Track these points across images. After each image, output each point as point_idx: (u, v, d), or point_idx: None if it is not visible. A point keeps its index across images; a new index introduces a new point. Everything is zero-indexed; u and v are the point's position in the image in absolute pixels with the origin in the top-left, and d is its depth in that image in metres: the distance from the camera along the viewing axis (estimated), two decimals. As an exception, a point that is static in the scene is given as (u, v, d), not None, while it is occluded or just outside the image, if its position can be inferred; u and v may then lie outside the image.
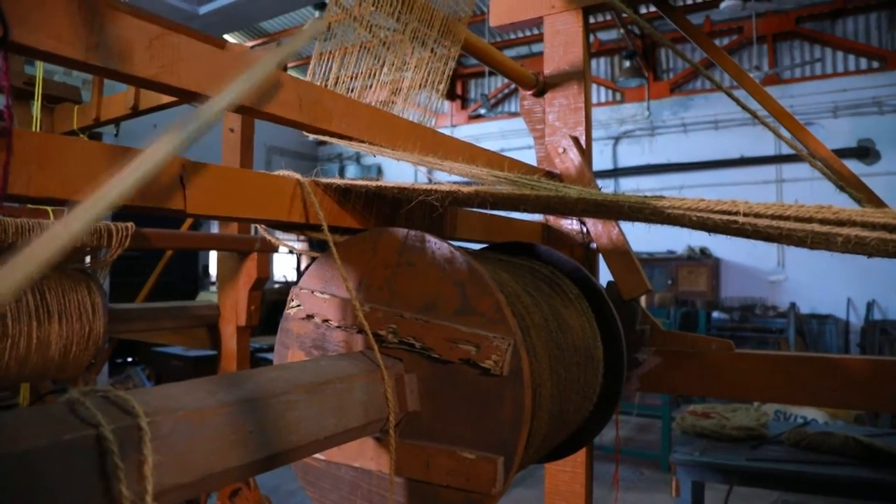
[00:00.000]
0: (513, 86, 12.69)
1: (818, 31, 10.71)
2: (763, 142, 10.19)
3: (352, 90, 1.64)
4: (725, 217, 0.99)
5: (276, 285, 12.94)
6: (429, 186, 1.18)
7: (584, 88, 2.43)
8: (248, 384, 0.89)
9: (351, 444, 1.19)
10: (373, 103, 1.71)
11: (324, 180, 1.35)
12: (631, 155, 11.73)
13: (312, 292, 1.32)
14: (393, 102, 1.82)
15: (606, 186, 11.62)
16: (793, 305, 9.51)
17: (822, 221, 0.93)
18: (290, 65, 13.20)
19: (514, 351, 1.06)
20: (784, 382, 2.12)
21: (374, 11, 1.64)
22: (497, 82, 13.13)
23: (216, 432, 0.81)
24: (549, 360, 1.24)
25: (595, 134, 11.72)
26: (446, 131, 13.06)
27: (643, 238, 11.20)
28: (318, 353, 1.31)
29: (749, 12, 10.51)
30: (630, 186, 11.66)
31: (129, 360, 10.29)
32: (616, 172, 11.77)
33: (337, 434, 0.99)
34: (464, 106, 13.40)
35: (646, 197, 1.04)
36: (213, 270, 12.89)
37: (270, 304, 7.05)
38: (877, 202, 2.19)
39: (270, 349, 7.45)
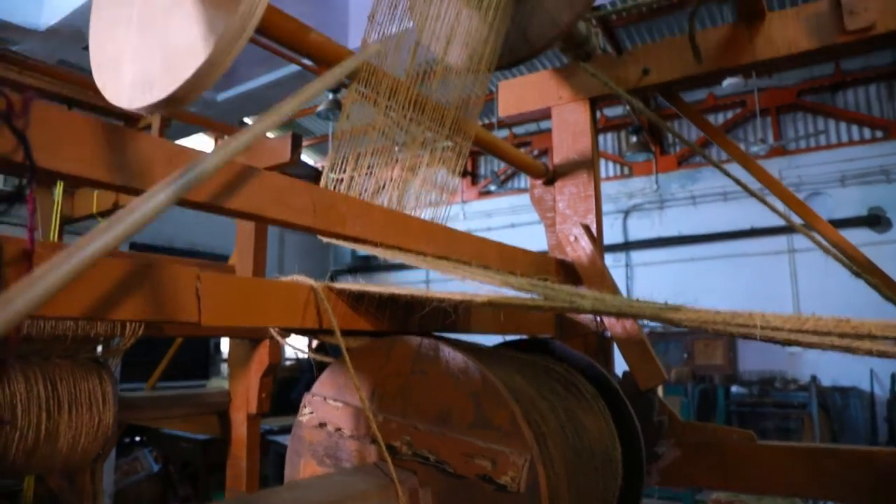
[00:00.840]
0: (522, 161, 12.91)
1: (820, 104, 10.89)
2: (773, 212, 10.19)
3: (364, 191, 1.66)
4: (743, 329, 0.98)
5: (288, 362, 12.84)
6: (442, 295, 1.18)
7: (593, 177, 2.47)
8: (260, 511, 0.87)
9: (364, 562, 1.15)
10: (389, 193, 1.73)
11: (337, 286, 1.35)
12: (641, 228, 11.78)
13: (325, 399, 1.31)
14: (408, 181, 1.84)
15: (618, 260, 11.63)
16: (814, 378, 9.31)
17: (842, 335, 0.92)
18: (305, 143, 13.52)
19: (530, 467, 1.04)
20: (810, 476, 2.04)
21: (388, 112, 1.69)
22: (506, 158, 13.36)
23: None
24: (567, 471, 1.20)
25: (605, 208, 11.79)
26: (457, 207, 13.20)
27: (657, 311, 11.12)
28: (330, 462, 1.28)
29: (751, 87, 10.75)
30: (641, 259, 11.65)
31: (137, 440, 10.14)
32: (627, 246, 11.79)
33: (350, 559, 0.96)
34: (474, 182, 13.61)
35: (661, 307, 1.04)
36: (224, 348, 12.84)
37: (281, 381, 6.98)
38: (893, 286, 2.16)
39: (280, 431, 7.32)
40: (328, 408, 1.29)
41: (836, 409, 9.40)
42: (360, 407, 1.22)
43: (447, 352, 1.17)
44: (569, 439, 1.27)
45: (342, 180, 1.66)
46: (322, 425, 1.30)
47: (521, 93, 2.62)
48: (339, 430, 1.27)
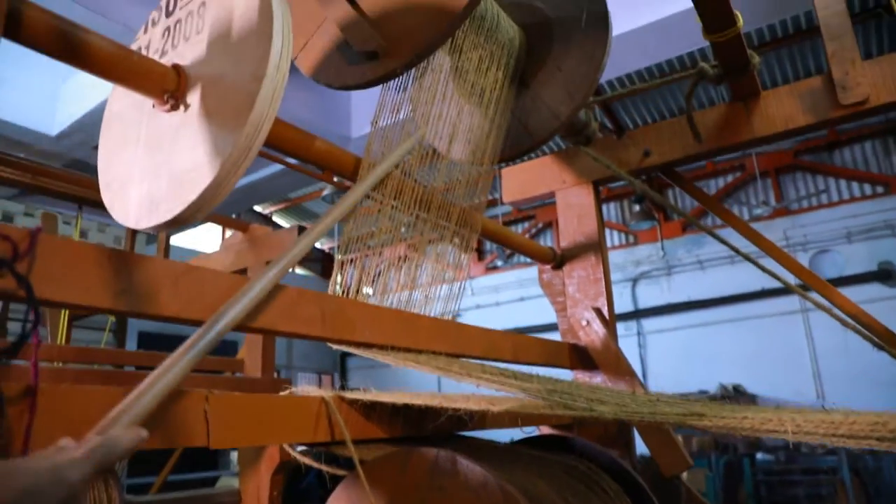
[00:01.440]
0: (528, 235, 12.97)
1: (818, 163, 10.99)
2: (783, 272, 10.13)
3: (373, 290, 1.65)
4: (774, 433, 0.94)
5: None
6: (458, 404, 1.14)
7: (601, 258, 2.46)
8: None
9: None
10: (398, 290, 1.72)
11: (349, 395, 1.32)
12: (650, 295, 11.69)
13: (340, 516, 1.25)
14: (416, 278, 1.82)
15: (629, 328, 11.50)
16: (841, 442, 9.03)
17: (881, 439, 0.88)
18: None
19: (561, 590, 0.98)
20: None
21: (395, 212, 1.69)
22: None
23: None
24: (599, 587, 1.14)
25: (613, 277, 11.76)
26: (465, 283, 13.18)
27: (672, 378, 10.89)
28: (347, 585, 1.21)
29: (749, 151, 10.88)
30: (652, 327, 11.52)
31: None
32: (637, 314, 11.68)
33: None
34: (480, 258, 13.64)
35: (685, 413, 1.00)
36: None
37: (290, 470, 6.78)
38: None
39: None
40: (343, 526, 1.24)
41: (868, 471, 9.04)
42: (377, 526, 1.17)
43: (465, 465, 1.12)
44: (597, 550, 1.21)
45: (350, 286, 1.65)
46: (338, 545, 1.24)
47: (524, 178, 2.64)
48: (355, 550, 1.21)
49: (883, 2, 7.69)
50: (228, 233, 5.50)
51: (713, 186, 11.73)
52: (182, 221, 1.13)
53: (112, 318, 4.88)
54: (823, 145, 10.92)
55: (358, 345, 1.39)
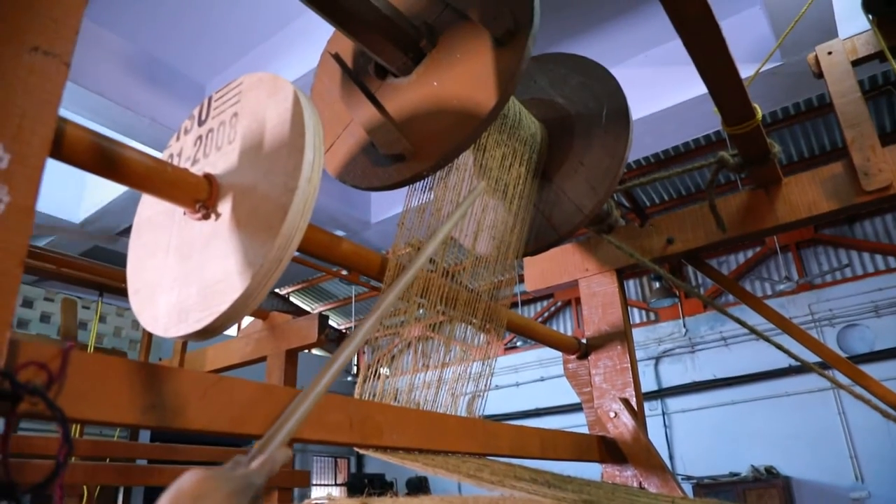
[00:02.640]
0: (546, 313, 12.87)
1: (839, 237, 10.94)
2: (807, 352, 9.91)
3: (399, 392, 1.62)
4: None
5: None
6: (491, 519, 1.10)
7: (627, 348, 2.42)
8: None
9: None
10: (423, 389, 1.69)
11: (377, 502, 1.27)
12: (674, 373, 11.46)
13: None
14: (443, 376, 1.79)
15: (653, 408, 11.22)
16: (882, 529, 8.60)
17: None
18: (328, 307, 13.68)
19: None
20: None
21: (421, 308, 1.68)
22: (530, 312, 13.34)
23: None
24: None
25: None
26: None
27: (700, 460, 10.54)
28: None
29: (768, 227, 10.87)
30: (677, 406, 11.24)
31: None
32: (660, 393, 11.42)
33: None
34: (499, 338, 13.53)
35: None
36: None
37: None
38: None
39: None
40: None
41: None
42: None
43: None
44: None
45: (377, 376, 1.63)
46: None
47: (546, 267, 2.64)
48: None
49: (893, 78, 7.83)
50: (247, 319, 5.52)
51: (733, 262, 11.66)
52: (212, 331, 1.13)
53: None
54: (843, 219, 10.89)
55: (385, 448, 1.36)
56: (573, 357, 2.49)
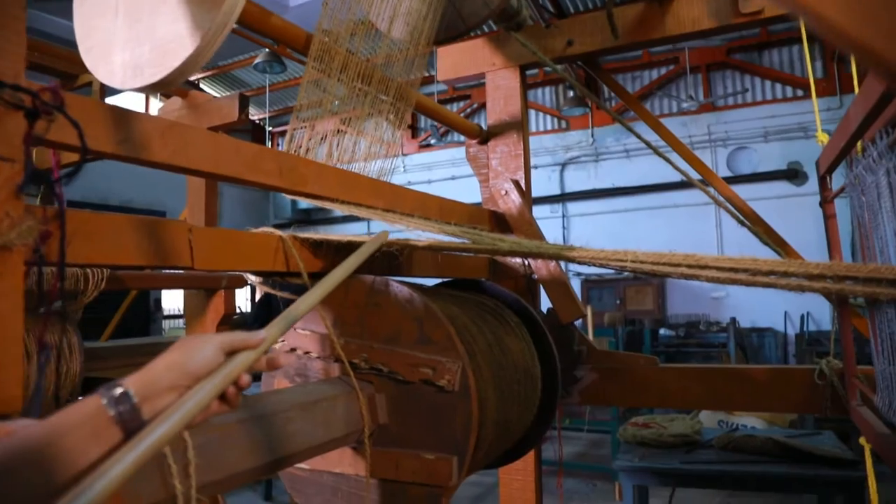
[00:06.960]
0: (463, 115, 13.09)
1: (747, 62, 11.42)
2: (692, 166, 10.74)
3: (318, 151, 1.91)
4: (619, 263, 1.30)
5: (235, 317, 12.91)
6: (389, 240, 1.46)
7: (522, 137, 2.76)
8: (257, 405, 1.15)
9: (331, 454, 1.45)
10: (340, 152, 1.99)
11: (301, 235, 1.61)
12: (578, 180, 12.22)
13: (295, 329, 1.58)
14: (356, 141, 2.09)
15: (555, 211, 12.08)
16: (733, 320, 10.03)
17: (689, 266, 1.24)
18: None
19: (462, 372, 1.34)
20: (702, 390, 2.44)
21: (340, 82, 1.92)
22: (448, 112, 13.48)
23: (237, 442, 1.07)
24: (493, 378, 1.52)
25: (543, 161, 12.19)
26: (398, 160, 13.36)
27: (592, 260, 11.65)
28: (300, 379, 1.56)
29: (683, 45, 11.17)
30: (578, 210, 12.14)
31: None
32: (563, 197, 12.23)
33: (324, 443, 1.25)
34: (414, 135, 13.77)
35: (560, 247, 1.35)
36: (165, 304, 12.85)
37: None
38: (771, 234, 2.55)
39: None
40: (298, 336, 1.57)
41: (752, 347, 10.18)
42: (326, 333, 1.50)
43: (395, 286, 1.46)
44: (494, 355, 1.59)
45: (301, 146, 1.90)
46: (292, 350, 1.58)
47: (457, 59, 2.87)
48: (307, 353, 1.55)
49: None
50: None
51: (647, 77, 12.04)
52: (165, 84, 1.36)
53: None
54: (755, 44, 11.28)
55: (309, 196, 1.67)
56: (475, 142, 2.82)
